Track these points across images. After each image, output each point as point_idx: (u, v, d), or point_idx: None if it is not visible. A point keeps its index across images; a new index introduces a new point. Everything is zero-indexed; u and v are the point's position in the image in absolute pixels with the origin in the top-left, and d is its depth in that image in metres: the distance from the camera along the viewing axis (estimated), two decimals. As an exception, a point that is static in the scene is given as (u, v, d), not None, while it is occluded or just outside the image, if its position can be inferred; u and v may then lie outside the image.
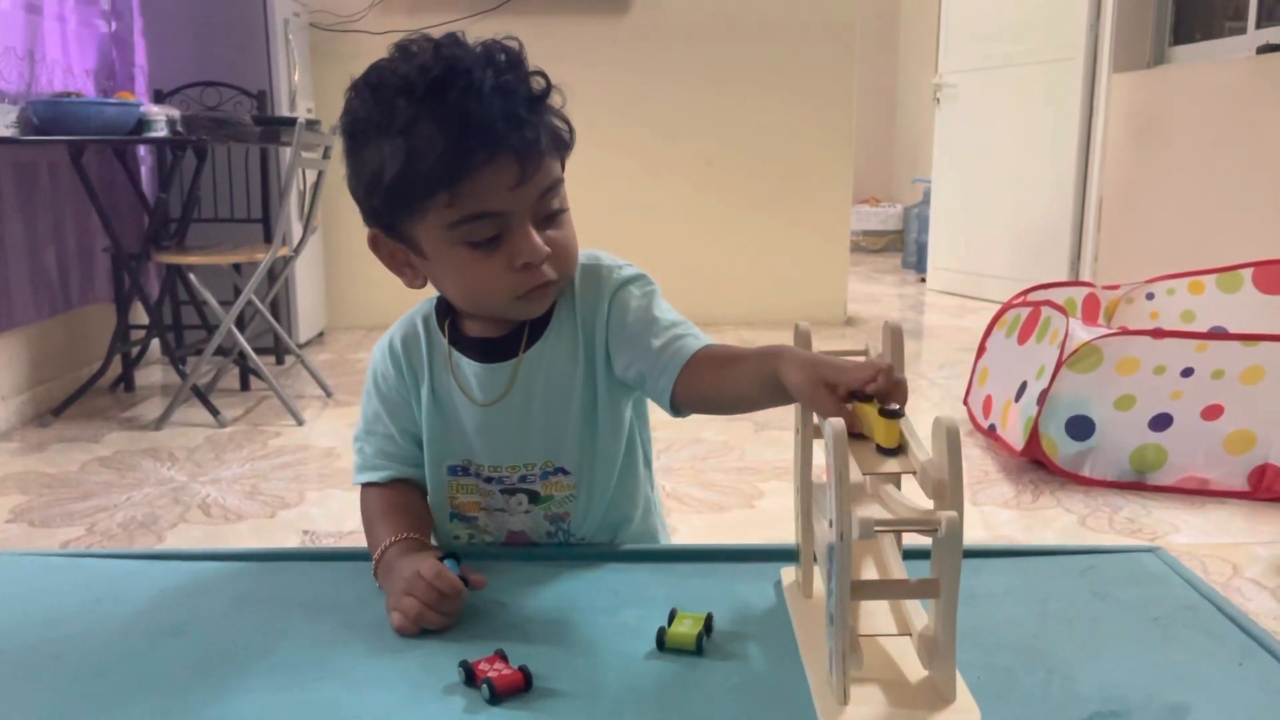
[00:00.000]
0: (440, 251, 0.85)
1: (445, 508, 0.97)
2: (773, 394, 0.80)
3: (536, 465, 0.94)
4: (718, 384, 0.86)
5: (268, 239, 3.50)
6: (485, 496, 0.96)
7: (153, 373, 3.68)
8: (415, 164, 0.80)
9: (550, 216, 0.86)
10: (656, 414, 1.01)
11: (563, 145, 0.86)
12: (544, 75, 0.85)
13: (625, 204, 4.38)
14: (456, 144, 0.79)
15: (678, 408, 0.89)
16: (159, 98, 3.57)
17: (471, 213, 0.82)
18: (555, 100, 0.86)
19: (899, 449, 0.70)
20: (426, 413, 0.95)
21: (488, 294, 0.87)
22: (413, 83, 0.80)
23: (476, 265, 0.84)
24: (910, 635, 0.72)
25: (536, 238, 0.84)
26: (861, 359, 0.75)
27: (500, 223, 0.83)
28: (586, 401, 0.93)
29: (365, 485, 0.98)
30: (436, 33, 0.85)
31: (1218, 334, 2.45)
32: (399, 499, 0.96)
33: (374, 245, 0.89)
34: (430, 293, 0.95)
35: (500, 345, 0.92)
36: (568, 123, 0.87)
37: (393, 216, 0.85)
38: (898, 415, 0.70)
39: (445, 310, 0.95)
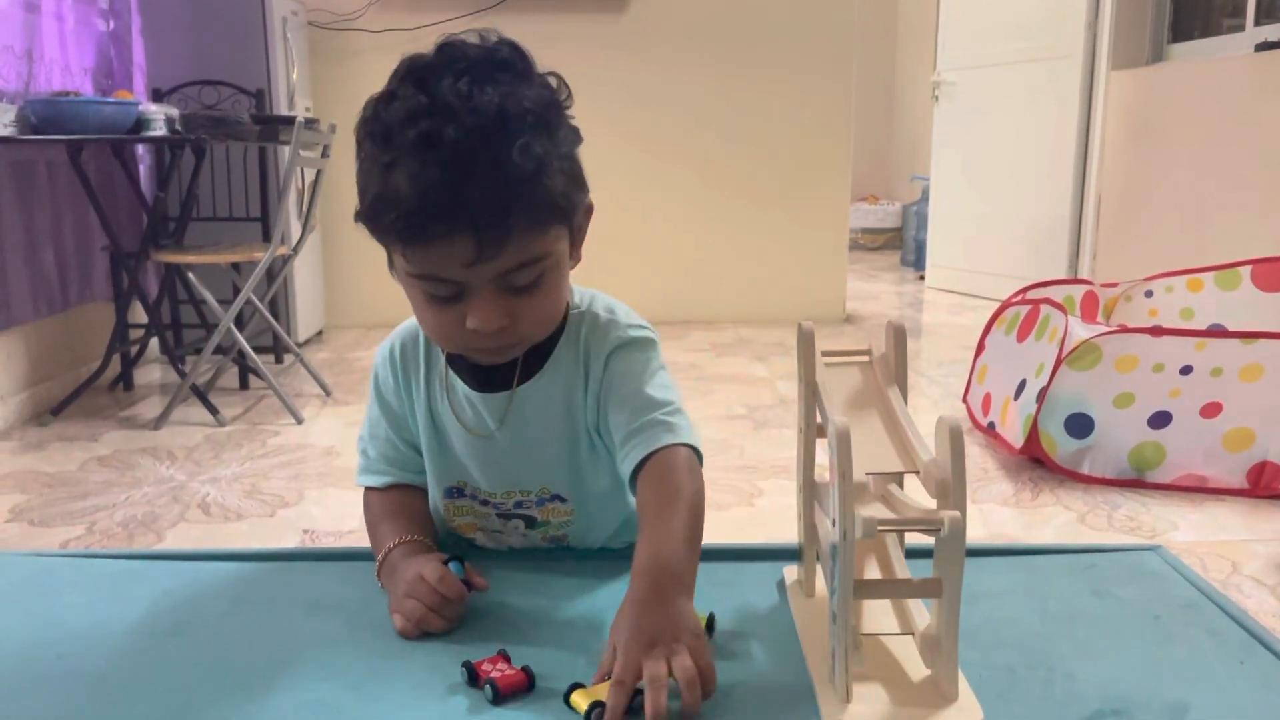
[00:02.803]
0: (406, 285, 0.83)
1: (444, 526, 0.97)
2: None
3: (532, 492, 0.93)
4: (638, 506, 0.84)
5: (266, 238, 3.50)
6: (482, 519, 0.95)
7: (151, 371, 3.67)
8: (381, 209, 0.77)
9: (520, 287, 0.80)
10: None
11: (556, 218, 0.80)
12: (549, 148, 0.77)
13: (623, 202, 4.38)
14: (416, 211, 0.75)
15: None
16: (157, 96, 3.56)
17: (426, 273, 0.79)
18: (563, 168, 0.79)
19: None
20: (422, 429, 0.94)
21: (443, 339, 0.86)
22: (404, 125, 0.76)
23: (434, 313, 0.82)
24: (913, 634, 0.72)
25: (493, 308, 0.79)
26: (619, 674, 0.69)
27: (458, 286, 0.79)
28: (584, 438, 0.92)
29: (368, 488, 0.98)
30: (433, 31, 0.82)
31: (1216, 331, 2.45)
32: (402, 502, 0.95)
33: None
34: None
35: (497, 374, 0.90)
36: (569, 193, 0.80)
37: (370, 232, 0.83)
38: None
39: None
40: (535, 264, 0.80)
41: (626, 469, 0.86)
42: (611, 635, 0.73)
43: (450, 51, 0.79)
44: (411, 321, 0.96)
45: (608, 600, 0.85)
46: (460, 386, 0.92)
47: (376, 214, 0.78)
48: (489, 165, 0.75)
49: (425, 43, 0.82)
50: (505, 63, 0.79)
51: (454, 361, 0.92)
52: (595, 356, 0.90)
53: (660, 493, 0.82)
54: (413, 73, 0.79)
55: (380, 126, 0.78)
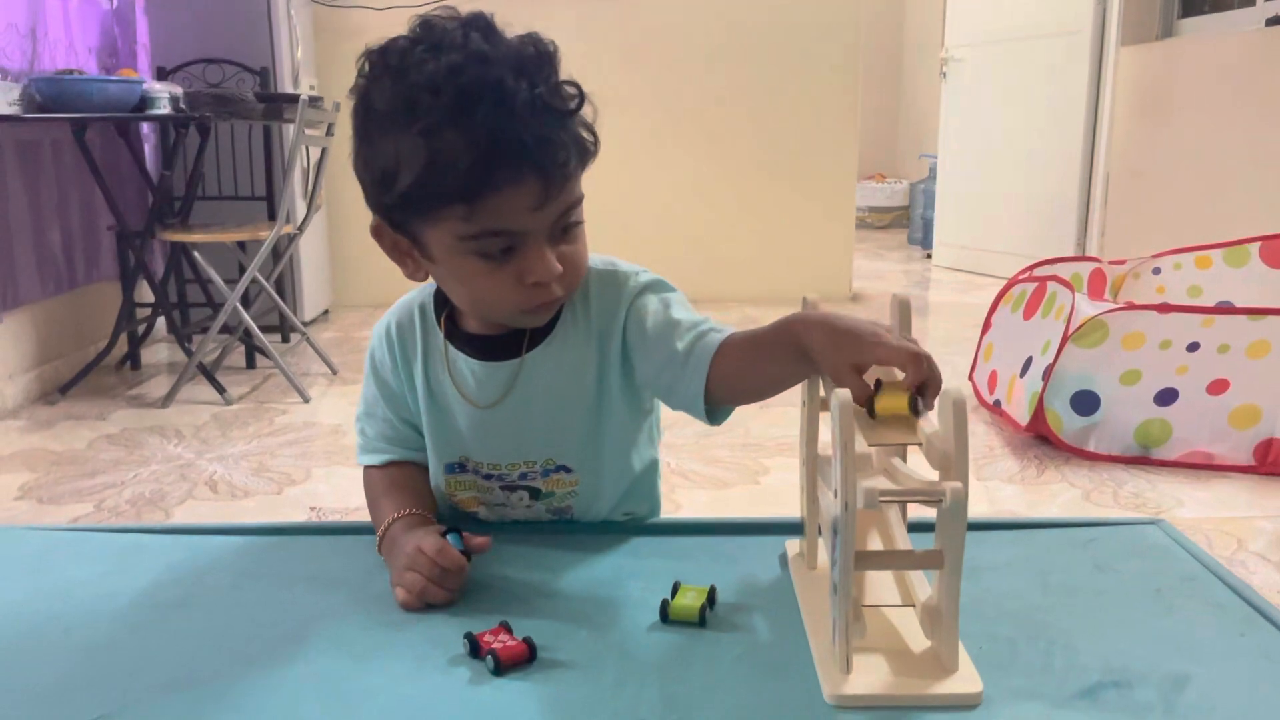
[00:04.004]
0: (448, 258, 0.82)
1: (446, 501, 0.97)
2: (802, 367, 0.78)
3: (537, 463, 0.93)
4: (748, 370, 0.83)
5: (272, 216, 3.50)
6: (485, 493, 0.95)
7: (159, 350, 3.69)
8: (435, 173, 0.76)
9: (565, 231, 0.82)
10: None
11: (588, 159, 0.82)
12: (577, 85, 0.81)
13: (628, 181, 4.37)
14: (482, 160, 0.75)
15: (712, 410, 0.86)
16: (161, 75, 3.56)
17: (487, 229, 0.78)
18: (586, 112, 0.81)
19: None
20: (423, 405, 0.94)
21: (492, 304, 0.85)
22: (440, 82, 0.75)
23: (485, 277, 0.81)
24: (914, 606, 0.72)
25: (550, 256, 0.81)
26: (886, 335, 0.72)
27: (515, 239, 0.80)
28: (594, 405, 0.92)
29: (368, 467, 0.98)
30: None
31: (1224, 308, 2.44)
32: (401, 477, 0.96)
33: (376, 234, 0.86)
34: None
35: (500, 344, 0.90)
36: (594, 134, 0.82)
37: (403, 216, 0.82)
38: (918, 414, 0.69)
39: (443, 302, 0.92)
40: (578, 206, 0.83)
41: (696, 387, 0.84)
42: (829, 364, 0.73)
43: (435, 22, 0.79)
44: (406, 299, 0.96)
45: (609, 572, 0.85)
46: (462, 360, 0.91)
47: (431, 182, 0.76)
48: (540, 103, 0.76)
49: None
50: (491, 23, 0.80)
51: (454, 335, 0.92)
52: (615, 307, 0.90)
53: (742, 343, 0.83)
54: (413, 46, 0.78)
55: (401, 96, 0.77)
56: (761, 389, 0.85)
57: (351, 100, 0.82)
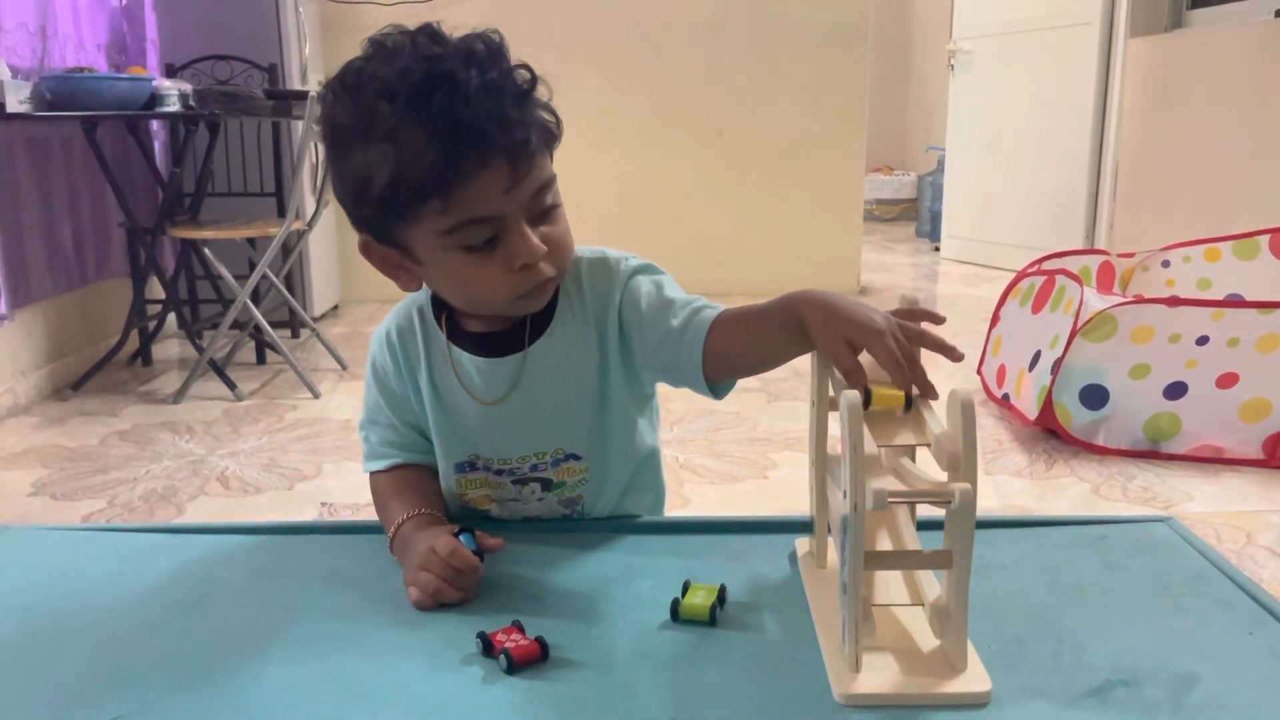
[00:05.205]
0: (435, 257, 0.83)
1: (456, 501, 0.98)
2: (798, 341, 0.80)
3: (547, 454, 0.94)
4: (745, 343, 0.85)
5: (281, 213, 3.51)
6: (496, 489, 0.96)
7: (169, 347, 3.70)
8: (404, 172, 0.77)
9: (544, 213, 0.84)
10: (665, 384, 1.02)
11: (551, 139, 0.84)
12: (528, 68, 0.82)
13: (636, 175, 4.36)
14: (446, 150, 0.76)
15: (713, 383, 0.88)
16: (170, 72, 3.57)
17: (465, 218, 0.80)
18: (541, 92, 0.83)
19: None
20: (429, 407, 0.94)
21: (487, 296, 0.86)
22: (394, 86, 0.77)
23: (473, 269, 0.83)
24: (923, 605, 0.72)
25: (533, 238, 0.82)
26: (882, 324, 0.75)
27: (495, 226, 0.81)
28: (599, 391, 0.93)
29: (374, 472, 0.99)
30: (445, 6, 0.83)
31: (1234, 302, 2.44)
32: (409, 478, 0.96)
33: (365, 251, 0.88)
34: None
35: (502, 340, 0.91)
36: (555, 115, 0.84)
37: (384, 224, 0.83)
38: (909, 408, 0.73)
39: (442, 304, 0.93)
40: (551, 186, 0.84)
41: (694, 361, 0.86)
42: (822, 337, 0.77)
43: (384, 39, 0.81)
44: (403, 304, 0.97)
45: (620, 571, 0.86)
46: (466, 358, 0.92)
47: (402, 182, 0.78)
48: (493, 88, 0.78)
49: (437, 16, 0.83)
50: (437, 29, 0.82)
51: (456, 335, 0.93)
52: (609, 290, 0.92)
53: (741, 316, 0.86)
54: (365, 63, 0.80)
55: (361, 110, 0.79)
56: (755, 363, 0.88)
57: (320, 132, 0.84)
